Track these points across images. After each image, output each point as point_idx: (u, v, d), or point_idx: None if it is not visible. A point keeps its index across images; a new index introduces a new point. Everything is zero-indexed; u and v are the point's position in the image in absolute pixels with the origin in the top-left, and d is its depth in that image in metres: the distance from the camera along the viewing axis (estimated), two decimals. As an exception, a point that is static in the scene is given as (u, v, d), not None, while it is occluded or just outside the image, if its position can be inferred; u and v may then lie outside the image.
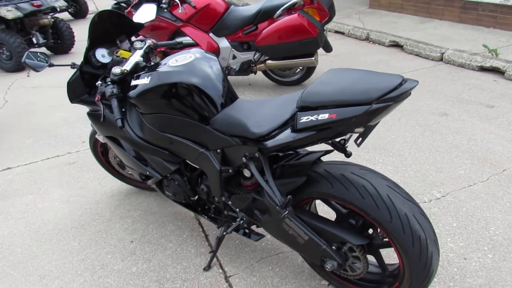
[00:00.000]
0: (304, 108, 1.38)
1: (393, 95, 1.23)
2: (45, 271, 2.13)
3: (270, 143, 1.47)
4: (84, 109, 4.19)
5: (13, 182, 3.08)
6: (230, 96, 1.79)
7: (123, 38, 2.13)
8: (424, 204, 2.34)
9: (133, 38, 2.43)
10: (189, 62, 1.77)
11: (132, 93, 1.79)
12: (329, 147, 1.71)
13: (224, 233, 1.88)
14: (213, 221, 2.01)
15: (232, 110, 1.70)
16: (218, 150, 1.72)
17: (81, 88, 2.11)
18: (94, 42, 2.06)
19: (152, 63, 2.02)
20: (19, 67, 5.84)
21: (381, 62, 4.94)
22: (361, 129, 1.36)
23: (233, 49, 4.20)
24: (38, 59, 2.03)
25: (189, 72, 1.72)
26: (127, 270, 2.08)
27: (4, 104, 4.71)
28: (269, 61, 4.05)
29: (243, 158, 1.62)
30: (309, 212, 1.66)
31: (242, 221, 1.80)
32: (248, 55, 4.16)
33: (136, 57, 1.96)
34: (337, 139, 1.77)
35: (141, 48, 2.02)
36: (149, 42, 2.09)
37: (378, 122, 1.50)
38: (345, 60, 5.11)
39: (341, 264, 1.57)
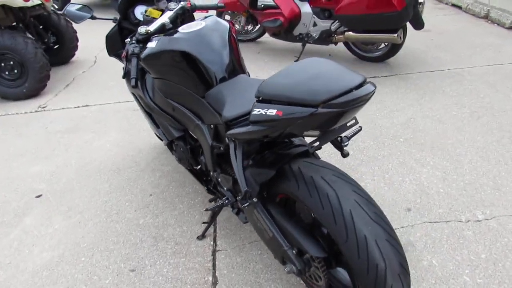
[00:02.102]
0: (260, 99, 1.25)
1: (340, 101, 1.05)
2: (73, 204, 2.39)
3: (231, 131, 1.38)
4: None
5: (85, 118, 3.45)
6: (232, 71, 1.70)
7: None
8: (458, 224, 2.02)
9: None
10: (195, 30, 1.71)
11: (142, 55, 1.81)
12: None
13: (204, 209, 1.87)
14: (211, 193, 2.01)
15: (225, 86, 1.62)
16: (212, 126, 1.68)
17: (118, 43, 2.21)
18: None
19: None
20: None
21: (492, 46, 4.21)
22: (315, 133, 1.19)
23: (314, 16, 3.96)
24: (81, 10, 2.15)
25: (190, 41, 1.67)
26: (135, 220, 2.22)
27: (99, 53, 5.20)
28: (348, 33, 3.73)
29: (226, 139, 1.56)
30: (281, 209, 1.55)
31: (226, 201, 1.76)
32: (329, 24, 3.89)
33: (164, 18, 1.96)
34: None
35: (172, 10, 2.01)
36: (183, 3, 2.06)
37: (352, 126, 1.30)
38: (448, 40, 4.47)
39: (300, 271, 1.45)
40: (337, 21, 3.74)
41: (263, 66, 4.21)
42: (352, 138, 2.76)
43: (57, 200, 2.45)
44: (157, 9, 2.10)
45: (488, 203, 2.14)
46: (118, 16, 2.24)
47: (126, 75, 2.06)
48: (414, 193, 2.25)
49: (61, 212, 2.34)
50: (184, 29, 1.76)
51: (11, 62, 3.71)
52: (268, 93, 1.23)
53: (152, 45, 1.76)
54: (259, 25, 4.83)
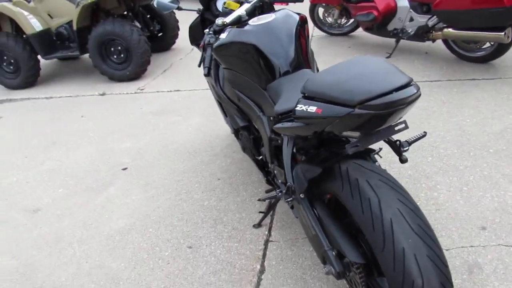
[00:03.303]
0: (305, 95, 1.23)
1: (377, 103, 0.99)
2: (151, 179, 2.62)
3: (277, 125, 1.38)
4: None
5: (175, 102, 3.72)
6: (296, 64, 1.69)
7: None
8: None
9: None
10: (263, 23, 1.74)
11: (214, 45, 1.90)
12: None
13: (258, 199, 1.91)
14: (269, 184, 2.04)
15: (286, 80, 1.63)
16: (271, 118, 1.70)
17: (200, 33, 2.33)
18: None
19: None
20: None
21: None
22: (355, 134, 1.14)
23: (411, 10, 3.72)
24: (168, 1, 2.30)
25: (257, 34, 1.70)
26: (201, 202, 2.36)
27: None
28: (447, 29, 3.43)
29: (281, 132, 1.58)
30: (328, 208, 1.51)
31: (279, 194, 1.78)
32: (426, 19, 3.62)
33: (240, 10, 2.02)
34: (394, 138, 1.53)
35: (249, 2, 2.07)
36: None
37: (400, 131, 1.22)
38: None
39: (339, 273, 1.42)
40: (435, 16, 3.46)
41: (352, 61, 4.08)
42: (433, 144, 2.58)
43: (138, 174, 2.70)
44: (236, 2, 2.17)
45: None
46: (201, 8, 2.36)
47: (202, 63, 2.18)
48: (493, 211, 2.02)
49: (139, 185, 2.58)
50: (254, 21, 1.80)
51: (119, 47, 4.14)
52: (311, 90, 1.22)
53: (223, 36, 1.84)
54: (352, 19, 4.67)
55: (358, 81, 1.11)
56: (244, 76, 1.79)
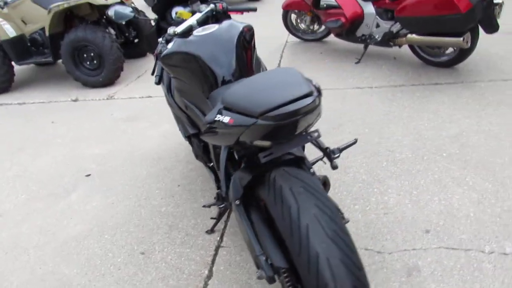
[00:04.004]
0: (224, 106, 1.28)
1: (275, 113, 1.04)
2: (113, 185, 2.65)
3: (202, 135, 1.43)
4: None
5: (146, 109, 3.75)
6: (238, 73, 1.73)
7: (194, 0, 2.24)
8: (479, 254, 1.83)
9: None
10: (206, 33, 1.79)
11: (160, 55, 1.94)
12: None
13: (203, 206, 1.95)
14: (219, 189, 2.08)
15: (224, 88, 1.67)
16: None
17: (156, 42, 2.37)
18: (172, 0, 2.25)
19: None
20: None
21: None
22: (266, 143, 1.19)
23: (377, 16, 3.80)
24: (125, 11, 2.35)
25: (198, 43, 1.75)
26: (159, 208, 2.39)
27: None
28: (410, 35, 3.51)
29: None
30: (262, 214, 1.56)
31: (216, 200, 1.82)
32: (390, 25, 3.69)
33: (191, 20, 2.06)
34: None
35: (201, 12, 2.11)
36: (212, 6, 2.15)
37: (314, 139, 1.27)
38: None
39: (269, 278, 1.46)
40: (398, 22, 3.54)
41: (323, 67, 4.15)
42: (390, 149, 2.64)
43: (101, 180, 2.73)
44: (190, 11, 2.22)
45: (524, 236, 1.90)
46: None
47: (154, 72, 2.22)
48: (439, 214, 2.08)
49: (101, 192, 2.61)
50: (198, 31, 1.84)
51: (92, 54, 4.17)
52: (227, 101, 1.27)
53: (169, 46, 1.88)
54: (325, 25, 4.74)
55: (263, 92, 1.16)
56: (189, 85, 1.83)
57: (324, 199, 1.29)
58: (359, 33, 4.02)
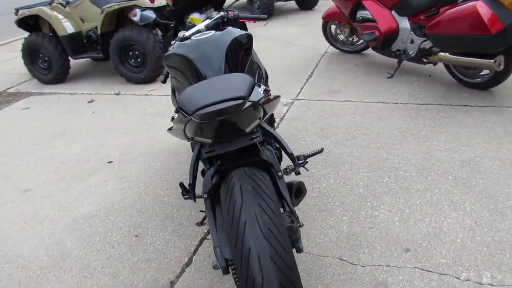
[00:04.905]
0: (179, 104, 1.40)
1: (201, 112, 1.15)
2: (128, 173, 2.88)
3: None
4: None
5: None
6: None
7: (209, 7, 2.40)
8: (453, 280, 1.78)
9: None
10: (202, 38, 1.93)
11: (163, 56, 2.11)
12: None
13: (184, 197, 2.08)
14: None
15: None
16: None
17: (173, 45, 2.56)
18: (189, 6, 2.43)
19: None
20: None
21: None
22: (207, 140, 1.29)
23: (411, 32, 3.73)
24: (148, 13, 2.54)
25: (192, 47, 1.89)
26: (162, 197, 2.58)
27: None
28: (442, 53, 3.41)
29: None
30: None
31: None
32: (425, 42, 3.61)
33: (200, 25, 2.22)
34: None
35: (210, 18, 2.26)
36: (222, 13, 2.29)
37: (253, 142, 1.35)
38: None
39: (223, 268, 1.55)
40: (428, 39, 3.46)
41: (354, 79, 4.14)
42: (395, 166, 2.61)
43: (119, 168, 2.97)
44: (204, 18, 2.38)
45: (507, 268, 1.82)
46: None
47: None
48: (424, 236, 2.05)
49: (116, 178, 2.85)
50: (196, 36, 1.99)
51: (136, 52, 4.50)
52: (180, 100, 1.39)
53: (170, 48, 2.05)
54: (364, 38, 4.71)
55: (202, 94, 1.27)
56: (182, 84, 1.99)
57: (269, 200, 1.37)
58: (394, 47, 3.96)
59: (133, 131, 3.54)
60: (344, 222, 2.20)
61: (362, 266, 1.91)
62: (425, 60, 3.72)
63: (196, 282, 1.91)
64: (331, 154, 2.85)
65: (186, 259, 2.06)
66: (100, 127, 3.70)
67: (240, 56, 1.98)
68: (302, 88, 4.07)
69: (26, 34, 5.01)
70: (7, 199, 2.74)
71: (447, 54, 3.39)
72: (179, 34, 2.13)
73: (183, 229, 2.27)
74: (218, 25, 2.31)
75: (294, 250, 1.63)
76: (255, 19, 2.45)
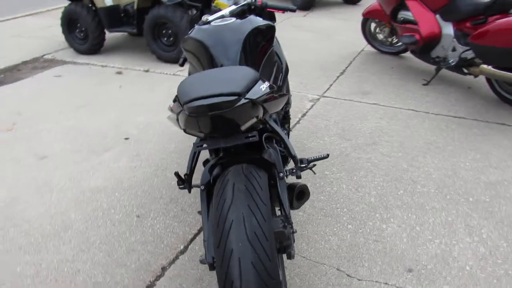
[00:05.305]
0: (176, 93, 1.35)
1: (190, 105, 1.09)
2: (142, 152, 2.89)
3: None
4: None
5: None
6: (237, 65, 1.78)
7: None
8: (453, 309, 1.67)
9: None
10: (221, 24, 1.86)
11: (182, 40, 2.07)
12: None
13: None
14: None
15: None
16: None
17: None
18: None
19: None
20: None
21: None
22: (200, 134, 1.24)
23: (454, 39, 3.51)
24: None
25: (210, 33, 1.83)
26: (170, 180, 2.57)
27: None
28: (484, 66, 3.19)
29: None
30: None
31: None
32: (467, 51, 3.39)
33: (225, 11, 2.15)
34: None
35: (237, 4, 2.19)
36: (249, 0, 2.21)
37: (248, 141, 1.28)
38: None
39: (210, 265, 1.51)
40: (470, 49, 3.24)
41: (387, 82, 3.96)
42: (414, 179, 2.48)
43: (134, 146, 2.98)
44: (231, 3, 2.30)
45: (515, 306, 1.68)
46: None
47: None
48: (431, 258, 1.93)
49: (130, 156, 2.86)
50: (216, 22, 1.92)
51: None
52: (177, 88, 1.34)
53: (191, 31, 2.00)
54: (404, 39, 4.49)
55: (198, 84, 1.21)
56: (196, 70, 1.94)
57: (261, 202, 1.30)
58: (433, 54, 3.75)
59: (154, 109, 3.54)
60: (349, 230, 2.11)
61: (359, 280, 1.82)
62: (465, 70, 3.50)
63: (187, 272, 1.89)
64: (348, 158, 2.74)
65: (182, 247, 2.04)
66: (124, 102, 3.73)
67: (259, 47, 1.90)
68: (331, 85, 3.94)
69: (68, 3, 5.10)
70: (25, 163, 2.81)
71: (490, 67, 3.16)
72: (202, 18, 2.08)
73: (184, 216, 2.25)
74: (244, 12, 2.24)
75: (285, 256, 1.58)
76: (283, 10, 2.36)
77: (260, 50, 1.91)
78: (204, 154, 1.83)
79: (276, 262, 1.25)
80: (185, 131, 1.35)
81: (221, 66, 1.78)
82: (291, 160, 1.90)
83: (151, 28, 4.50)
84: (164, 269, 1.92)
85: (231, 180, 1.36)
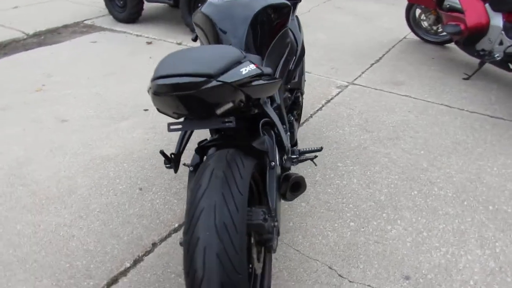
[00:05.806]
0: None
1: (156, 82, 1.04)
2: (158, 125, 2.88)
3: None
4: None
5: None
6: (239, 46, 1.69)
7: None
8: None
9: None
10: (230, 0, 1.77)
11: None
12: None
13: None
14: None
15: None
16: None
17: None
18: None
19: None
20: None
21: None
22: (172, 115, 1.18)
23: (503, 32, 3.20)
24: None
25: (220, 8, 1.75)
26: (178, 156, 2.54)
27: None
28: (531, 63, 2.89)
29: None
30: None
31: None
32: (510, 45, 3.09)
33: None
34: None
35: None
36: None
37: (220, 125, 1.22)
38: None
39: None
40: (518, 44, 2.94)
41: (424, 74, 3.71)
42: (432, 180, 2.32)
43: (152, 118, 2.99)
44: None
45: (517, 331, 1.54)
46: None
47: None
48: (433, 267, 1.80)
49: (146, 127, 2.87)
50: None
51: None
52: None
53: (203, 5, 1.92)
54: (450, 28, 4.16)
55: (172, 62, 1.15)
56: (203, 43, 1.87)
57: (237, 192, 1.24)
58: (479, 46, 3.45)
59: (178, 83, 3.52)
60: (350, 228, 2.01)
61: (350, 282, 1.73)
62: (511, 67, 3.20)
63: (176, 251, 1.87)
64: (365, 151, 2.60)
65: (176, 225, 2.03)
66: (151, 73, 3.71)
67: (269, 27, 1.80)
68: (363, 73, 3.74)
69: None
70: (45, 125, 2.90)
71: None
72: None
73: (185, 194, 2.23)
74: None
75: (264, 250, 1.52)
76: None
77: (270, 30, 1.81)
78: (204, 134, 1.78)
79: (245, 256, 1.19)
80: (158, 110, 1.30)
81: (229, 43, 1.70)
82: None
83: (188, 1, 4.45)
84: (154, 245, 1.91)
85: (211, 166, 1.30)
